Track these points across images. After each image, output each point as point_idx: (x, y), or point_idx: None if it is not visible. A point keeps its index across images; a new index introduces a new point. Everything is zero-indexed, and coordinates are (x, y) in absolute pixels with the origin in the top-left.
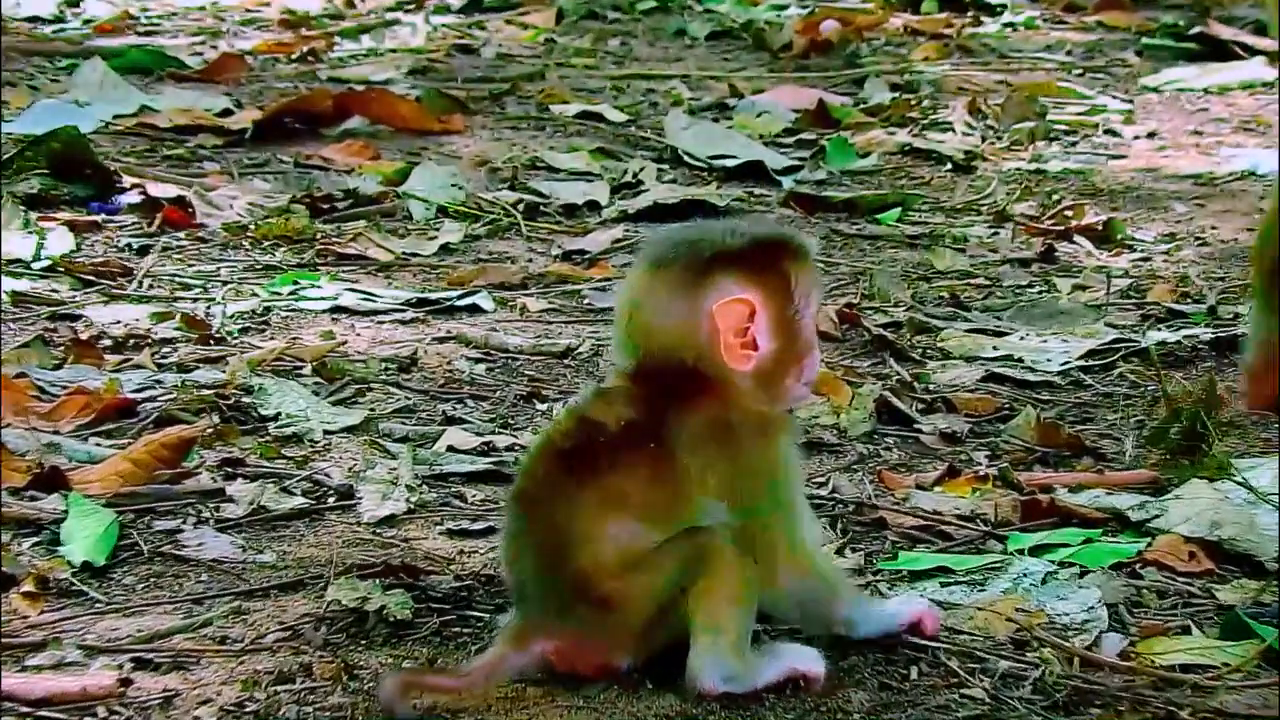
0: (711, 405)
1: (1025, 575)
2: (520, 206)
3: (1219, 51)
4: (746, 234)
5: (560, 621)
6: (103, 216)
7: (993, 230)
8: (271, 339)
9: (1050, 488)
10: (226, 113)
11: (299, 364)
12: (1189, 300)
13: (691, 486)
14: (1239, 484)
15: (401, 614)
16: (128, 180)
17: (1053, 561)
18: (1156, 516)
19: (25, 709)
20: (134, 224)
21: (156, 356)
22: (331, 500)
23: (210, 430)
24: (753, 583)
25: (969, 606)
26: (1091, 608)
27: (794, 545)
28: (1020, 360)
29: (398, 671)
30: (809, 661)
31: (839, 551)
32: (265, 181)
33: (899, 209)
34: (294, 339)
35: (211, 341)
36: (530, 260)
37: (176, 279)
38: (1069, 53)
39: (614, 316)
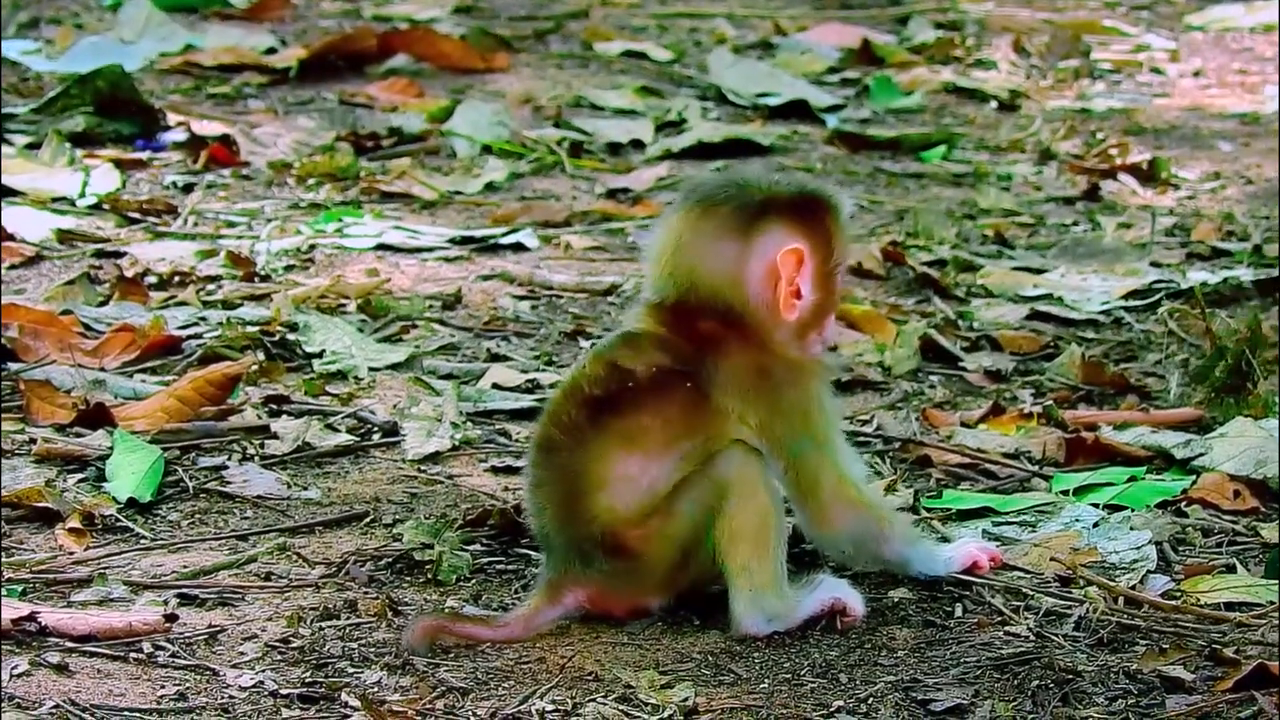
0: (749, 348)
1: (1077, 518)
2: (564, 144)
3: None
4: (793, 184)
5: (590, 570)
6: (148, 154)
7: (1037, 169)
8: (316, 276)
9: (1095, 426)
10: (271, 51)
11: (343, 301)
12: (1234, 239)
13: (728, 428)
14: None
15: (457, 568)
16: (173, 118)
17: (1097, 505)
18: (1201, 455)
19: (71, 644)
20: (179, 161)
21: (201, 293)
22: (376, 437)
23: (255, 367)
24: (777, 512)
25: (1025, 543)
26: (1141, 547)
27: (839, 481)
28: (1063, 299)
29: (430, 614)
30: (847, 593)
31: (888, 489)
32: (310, 119)
33: (943, 147)
34: (338, 276)
35: (256, 279)
36: (574, 198)
37: (221, 216)
38: None
39: (650, 254)
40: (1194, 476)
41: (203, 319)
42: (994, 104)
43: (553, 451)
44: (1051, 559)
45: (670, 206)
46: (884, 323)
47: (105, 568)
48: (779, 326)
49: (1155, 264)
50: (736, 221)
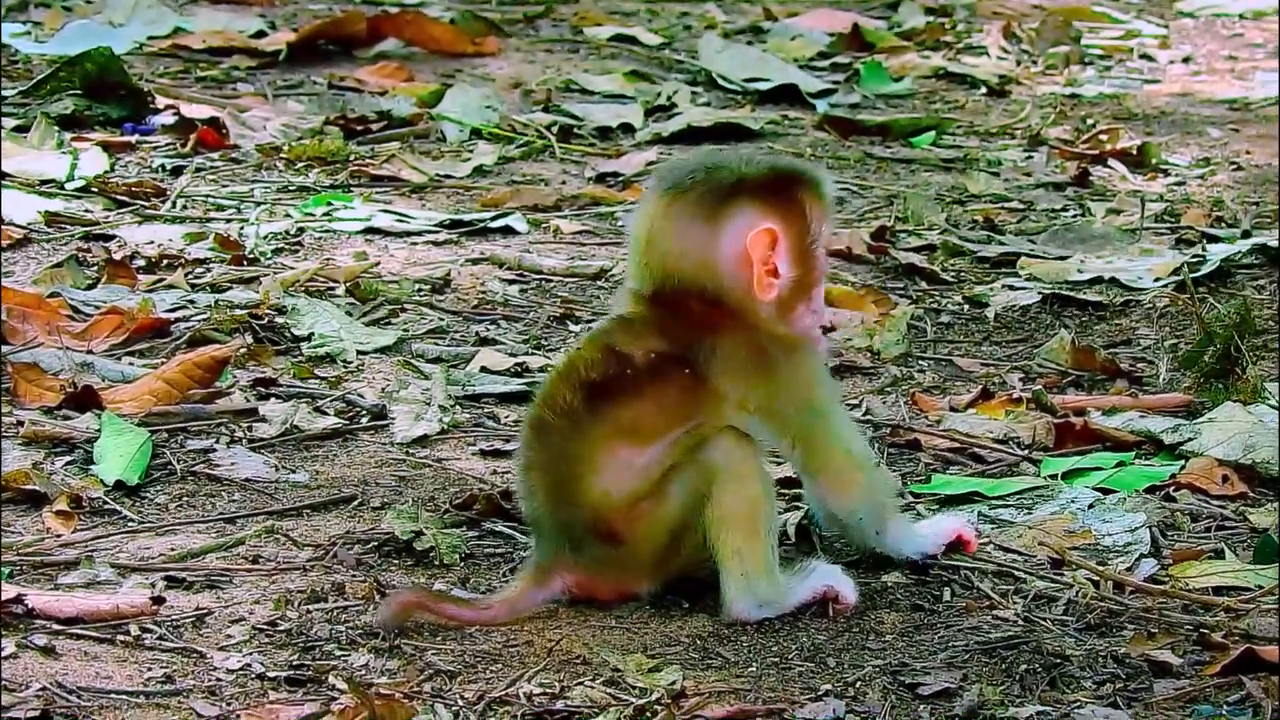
0: (740, 330)
1: (1073, 500)
2: (554, 129)
3: None
4: (764, 163)
5: (579, 555)
6: (136, 137)
7: (1027, 154)
8: (305, 260)
9: (1084, 410)
10: (260, 34)
11: (332, 285)
12: (1223, 224)
13: (724, 412)
14: (1273, 407)
15: (451, 558)
16: (162, 101)
17: (1088, 486)
18: (1190, 440)
19: (57, 627)
20: (168, 145)
21: (190, 277)
22: (364, 420)
23: (243, 350)
24: (768, 498)
25: (1019, 525)
26: (1136, 529)
27: (847, 453)
28: (1055, 283)
29: (405, 590)
30: (840, 581)
31: None
32: (299, 103)
33: (933, 133)
34: (327, 260)
35: (245, 262)
36: (564, 182)
37: (210, 200)
38: None
39: (629, 243)
40: (1183, 461)
41: (191, 302)
42: (984, 89)
43: (545, 434)
44: (1040, 543)
45: (643, 194)
46: (864, 302)
47: (92, 550)
48: (761, 307)
49: (1145, 250)
50: (706, 206)
